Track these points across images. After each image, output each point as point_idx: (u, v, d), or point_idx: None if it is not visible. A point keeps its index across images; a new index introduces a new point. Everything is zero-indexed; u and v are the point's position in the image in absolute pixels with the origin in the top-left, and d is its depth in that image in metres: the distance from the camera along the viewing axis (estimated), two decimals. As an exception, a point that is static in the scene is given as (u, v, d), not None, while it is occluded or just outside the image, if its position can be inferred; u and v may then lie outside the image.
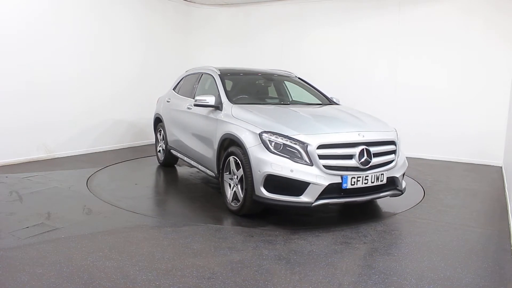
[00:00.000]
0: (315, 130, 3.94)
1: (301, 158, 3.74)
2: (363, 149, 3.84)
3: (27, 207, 4.27)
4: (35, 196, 4.67)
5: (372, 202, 4.65)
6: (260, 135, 3.89)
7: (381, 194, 4.08)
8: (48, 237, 3.46)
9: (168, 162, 6.50)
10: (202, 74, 5.67)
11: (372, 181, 3.88)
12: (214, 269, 2.94)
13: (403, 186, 4.33)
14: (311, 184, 3.67)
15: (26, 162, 6.34)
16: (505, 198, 5.04)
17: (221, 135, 4.42)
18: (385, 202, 4.60)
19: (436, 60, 7.49)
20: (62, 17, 6.78)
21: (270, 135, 3.85)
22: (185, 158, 5.67)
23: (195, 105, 4.84)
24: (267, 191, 3.78)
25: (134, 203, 4.55)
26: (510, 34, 6.90)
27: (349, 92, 8.00)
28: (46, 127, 6.66)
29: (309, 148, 3.73)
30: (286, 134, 3.83)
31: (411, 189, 5.48)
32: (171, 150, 6.17)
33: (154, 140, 6.75)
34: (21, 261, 2.99)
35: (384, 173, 3.97)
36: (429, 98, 7.58)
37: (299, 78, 5.82)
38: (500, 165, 7.02)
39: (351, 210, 4.49)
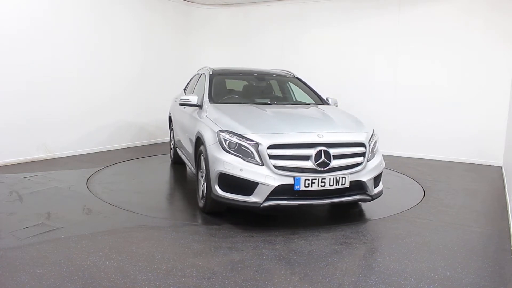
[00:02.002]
0: (271, 130, 3.84)
1: (253, 157, 3.68)
2: (320, 150, 3.68)
3: (27, 207, 4.27)
4: (35, 196, 4.67)
5: (369, 203, 4.60)
6: (217, 133, 3.89)
7: (344, 199, 3.85)
8: (48, 237, 3.46)
9: (177, 160, 6.54)
10: (201, 74, 5.72)
11: (331, 184, 3.69)
12: (214, 269, 2.94)
13: (376, 191, 4.07)
14: (259, 184, 3.60)
15: (26, 162, 6.34)
16: (505, 198, 5.04)
17: (195, 133, 4.46)
18: (384, 202, 4.59)
19: (436, 60, 7.49)
20: (62, 17, 6.78)
21: (227, 134, 3.84)
22: (182, 156, 5.76)
23: (180, 104, 4.92)
24: (221, 189, 3.78)
25: (134, 203, 4.55)
26: (510, 34, 6.89)
27: (348, 92, 8.01)
28: (46, 127, 6.65)
29: (260, 148, 3.67)
30: (239, 133, 3.80)
31: (411, 189, 5.49)
32: (176, 148, 6.28)
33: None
34: (21, 261, 2.99)
35: (346, 176, 3.75)
36: (429, 98, 7.58)
37: (297, 77, 5.79)
38: (500, 165, 7.02)
39: (351, 210, 4.48)
